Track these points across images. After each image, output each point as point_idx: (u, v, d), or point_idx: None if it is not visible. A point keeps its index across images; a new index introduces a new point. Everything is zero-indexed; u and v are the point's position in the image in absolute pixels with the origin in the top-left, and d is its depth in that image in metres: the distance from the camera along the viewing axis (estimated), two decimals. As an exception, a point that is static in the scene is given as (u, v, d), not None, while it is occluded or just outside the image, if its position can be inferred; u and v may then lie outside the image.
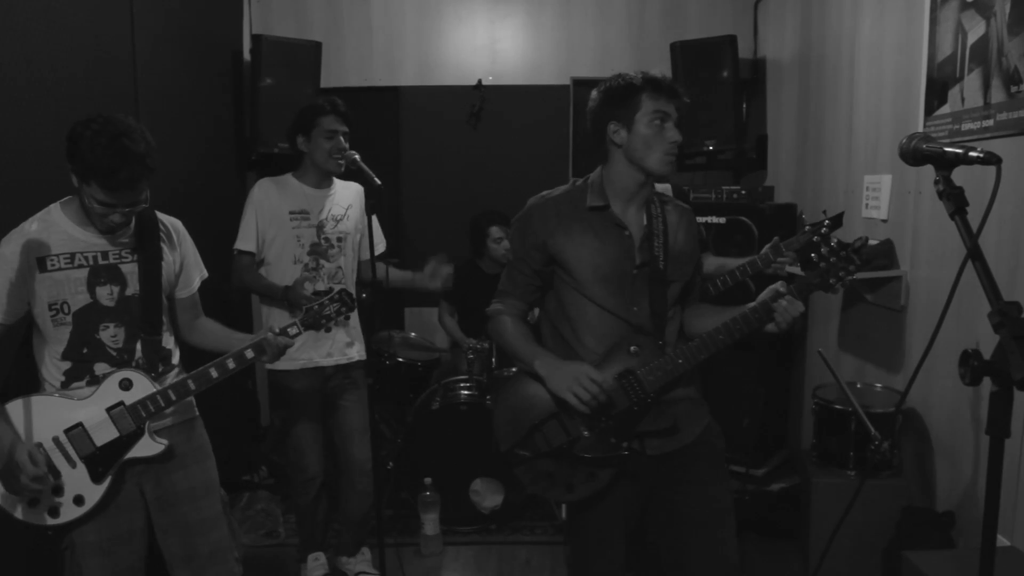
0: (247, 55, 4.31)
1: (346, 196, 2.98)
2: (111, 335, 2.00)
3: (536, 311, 2.22)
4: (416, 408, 3.74)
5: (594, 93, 2.00)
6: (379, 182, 2.63)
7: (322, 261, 2.89)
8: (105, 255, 1.99)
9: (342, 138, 2.83)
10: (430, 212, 4.70)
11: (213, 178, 3.84)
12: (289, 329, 2.13)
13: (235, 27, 4.36)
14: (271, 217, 2.85)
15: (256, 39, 4.13)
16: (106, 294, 1.98)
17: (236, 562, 2.24)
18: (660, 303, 1.97)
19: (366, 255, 2.94)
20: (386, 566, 2.65)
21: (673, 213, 2.05)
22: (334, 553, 3.19)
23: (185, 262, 2.18)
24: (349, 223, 2.97)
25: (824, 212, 3.09)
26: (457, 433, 3.55)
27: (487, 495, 3.58)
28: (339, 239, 2.93)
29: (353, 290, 2.94)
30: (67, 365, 1.99)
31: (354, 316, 2.96)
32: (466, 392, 3.67)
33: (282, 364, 2.81)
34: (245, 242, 2.85)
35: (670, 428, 1.95)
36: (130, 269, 2.01)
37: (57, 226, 1.96)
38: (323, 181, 2.91)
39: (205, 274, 2.28)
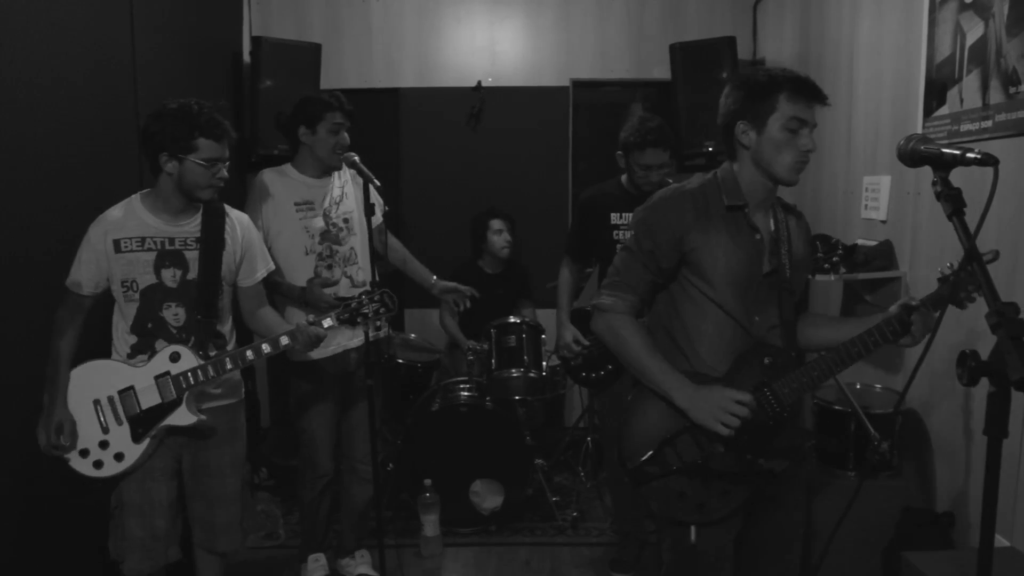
0: (247, 57, 4.30)
1: (338, 178, 2.97)
2: (173, 314, 2.24)
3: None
4: (416, 409, 3.74)
5: (729, 87, 1.87)
6: (378, 183, 2.63)
7: (335, 247, 2.89)
8: (172, 241, 2.23)
9: (346, 134, 2.84)
10: (430, 214, 4.70)
11: (213, 180, 3.83)
12: (324, 320, 2.28)
13: (235, 29, 4.37)
14: (275, 210, 2.83)
15: (256, 41, 4.13)
16: (170, 276, 2.22)
17: (243, 532, 2.46)
18: (789, 312, 1.88)
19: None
20: (386, 567, 2.65)
21: (791, 218, 1.97)
22: (334, 555, 3.20)
23: (248, 253, 2.38)
24: (350, 201, 2.95)
25: (839, 242, 3.07)
26: (457, 435, 3.55)
27: (487, 496, 3.58)
28: (345, 220, 2.93)
29: (370, 270, 2.93)
30: (134, 339, 2.23)
31: (359, 279, 2.95)
32: (466, 394, 3.67)
33: (314, 352, 2.83)
34: None
35: (801, 444, 1.84)
36: (193, 256, 2.24)
37: (134, 213, 2.22)
38: (323, 172, 2.91)
39: (271, 266, 2.51)
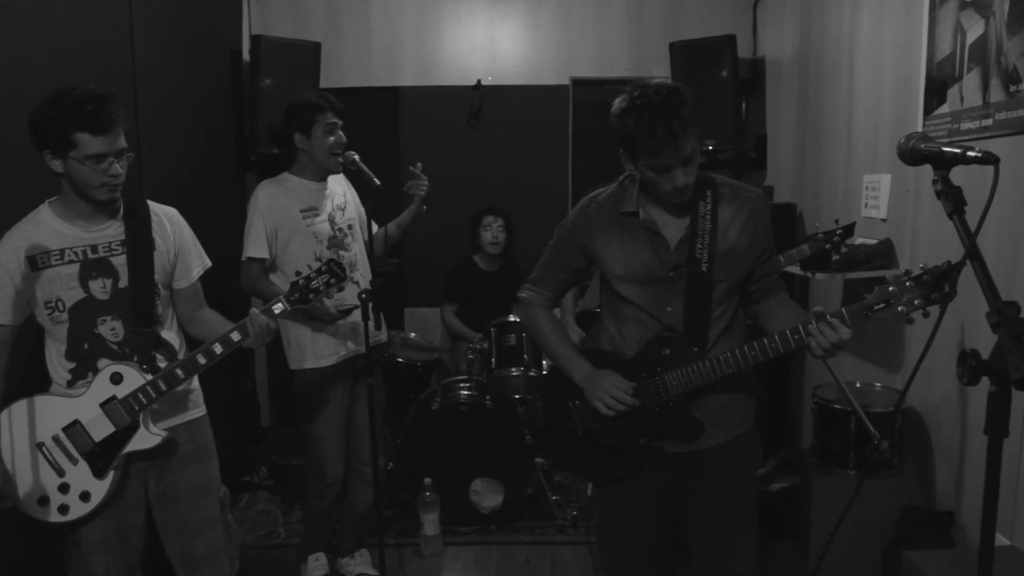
0: (246, 56, 4.30)
1: (338, 185, 2.98)
2: (110, 328, 2.00)
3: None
4: (416, 408, 3.74)
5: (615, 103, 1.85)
6: (378, 182, 2.63)
7: (341, 252, 2.87)
8: (95, 248, 1.98)
9: (341, 133, 2.84)
10: (429, 212, 4.62)
11: (212, 178, 3.83)
12: (274, 307, 2.07)
13: (234, 28, 4.36)
14: (282, 219, 2.79)
15: (255, 40, 4.13)
16: (99, 287, 1.98)
17: (230, 562, 2.25)
18: (699, 306, 1.91)
19: (365, 235, 3.00)
20: (386, 566, 2.65)
21: (728, 208, 1.93)
22: (334, 554, 3.19)
23: (182, 250, 2.15)
24: (352, 209, 2.98)
25: (836, 221, 3.08)
26: (457, 433, 3.55)
27: (487, 495, 3.58)
28: (349, 227, 2.94)
29: (370, 275, 2.90)
30: (71, 365, 2.00)
31: (363, 284, 2.90)
32: (466, 392, 3.67)
33: (324, 360, 2.83)
34: (256, 249, 2.76)
35: (689, 433, 1.95)
36: (120, 261, 2.00)
37: (46, 224, 1.96)
38: (322, 176, 2.91)
39: (208, 263, 2.26)
